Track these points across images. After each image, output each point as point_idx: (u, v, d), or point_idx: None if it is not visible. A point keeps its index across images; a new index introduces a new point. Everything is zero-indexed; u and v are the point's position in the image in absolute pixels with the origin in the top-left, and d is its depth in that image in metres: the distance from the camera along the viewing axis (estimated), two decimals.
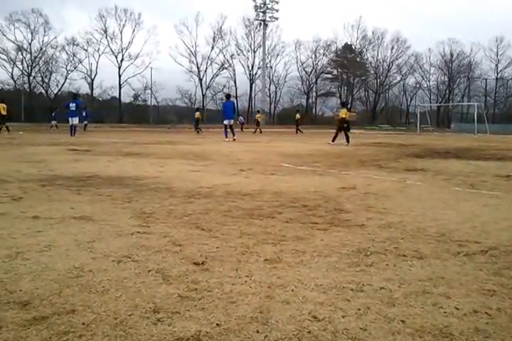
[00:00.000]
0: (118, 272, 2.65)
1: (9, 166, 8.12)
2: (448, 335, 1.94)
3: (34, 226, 3.72)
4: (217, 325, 1.99)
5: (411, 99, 78.06)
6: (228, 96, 23.25)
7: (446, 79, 76.43)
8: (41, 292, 2.32)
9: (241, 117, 42.30)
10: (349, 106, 74.69)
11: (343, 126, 18.35)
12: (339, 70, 76.59)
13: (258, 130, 33.89)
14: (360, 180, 7.09)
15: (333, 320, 2.05)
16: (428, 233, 3.72)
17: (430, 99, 76.07)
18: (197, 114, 34.22)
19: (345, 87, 77.86)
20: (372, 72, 78.08)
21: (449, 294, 2.39)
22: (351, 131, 20.08)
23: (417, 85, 76.90)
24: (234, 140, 19.75)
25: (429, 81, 76.95)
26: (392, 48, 75.68)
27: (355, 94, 78.78)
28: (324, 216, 4.31)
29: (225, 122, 20.81)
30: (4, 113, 27.01)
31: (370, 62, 77.94)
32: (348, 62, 74.36)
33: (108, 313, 2.08)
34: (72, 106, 22.13)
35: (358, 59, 76.66)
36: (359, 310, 2.17)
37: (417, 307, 2.22)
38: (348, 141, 17.79)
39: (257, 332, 1.93)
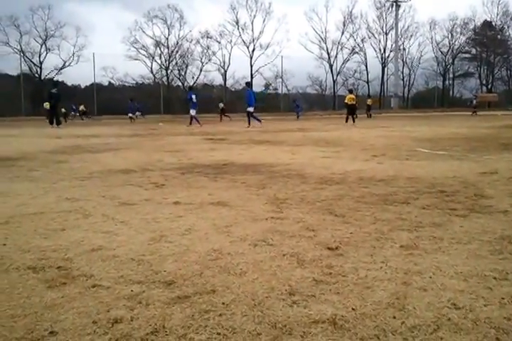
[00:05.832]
0: (254, 255, 2.73)
1: (152, 156, 8.68)
2: None
3: (175, 211, 3.95)
4: (353, 309, 1.98)
5: None
6: (249, 84, 25.72)
7: None
8: (183, 272, 2.46)
9: None
10: (492, 88, 70.27)
11: (349, 110, 23.22)
12: (478, 49, 71.82)
13: (369, 114, 34.29)
14: (502, 164, 6.64)
15: (474, 309, 1.96)
16: None
17: None
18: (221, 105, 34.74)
19: (485, 67, 72.88)
20: None
21: None
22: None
23: None
24: (247, 127, 20.34)
25: None
26: None
27: (496, 74, 73.55)
28: (463, 202, 4.11)
29: (250, 109, 21.94)
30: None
31: None
32: (487, 40, 69.45)
33: (246, 294, 2.16)
34: (194, 97, 23.70)
35: (498, 36, 71.37)
36: (503, 299, 2.05)
37: None
38: (353, 121, 22.33)
39: (394, 317, 1.89)
